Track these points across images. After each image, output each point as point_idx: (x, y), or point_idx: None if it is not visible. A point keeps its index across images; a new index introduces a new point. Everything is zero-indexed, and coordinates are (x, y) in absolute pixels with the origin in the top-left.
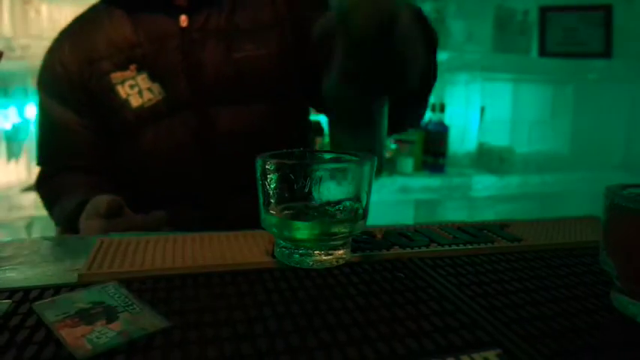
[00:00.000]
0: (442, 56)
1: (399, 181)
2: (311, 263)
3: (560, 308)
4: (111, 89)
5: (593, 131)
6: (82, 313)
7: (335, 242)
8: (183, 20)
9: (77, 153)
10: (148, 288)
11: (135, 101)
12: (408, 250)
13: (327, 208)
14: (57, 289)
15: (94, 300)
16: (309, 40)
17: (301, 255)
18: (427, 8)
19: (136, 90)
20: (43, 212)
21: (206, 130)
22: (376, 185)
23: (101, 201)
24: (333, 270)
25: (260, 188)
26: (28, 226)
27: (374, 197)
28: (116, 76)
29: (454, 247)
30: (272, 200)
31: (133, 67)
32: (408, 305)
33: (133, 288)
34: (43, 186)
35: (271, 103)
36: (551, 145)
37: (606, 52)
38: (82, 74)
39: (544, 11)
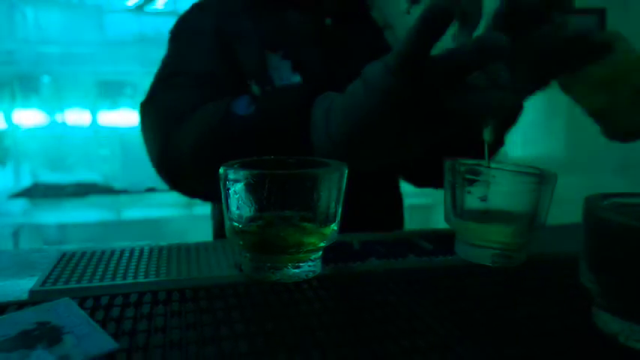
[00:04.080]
0: None
1: None
2: (278, 277)
3: (539, 326)
4: (262, 62)
5: (588, 134)
6: (24, 336)
7: (304, 255)
8: (328, 23)
9: (204, 59)
10: (103, 305)
11: (277, 82)
12: (384, 260)
13: (295, 218)
14: (4, 307)
15: (41, 319)
16: None
17: (269, 268)
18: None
19: (279, 73)
20: (31, 219)
21: None
22: None
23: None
24: (301, 284)
25: (224, 198)
26: (15, 234)
27: None
28: (269, 54)
29: (432, 257)
30: (237, 211)
31: (280, 51)
32: (375, 324)
33: (87, 305)
34: (151, 106)
35: None
36: (545, 149)
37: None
38: (236, 39)
39: None
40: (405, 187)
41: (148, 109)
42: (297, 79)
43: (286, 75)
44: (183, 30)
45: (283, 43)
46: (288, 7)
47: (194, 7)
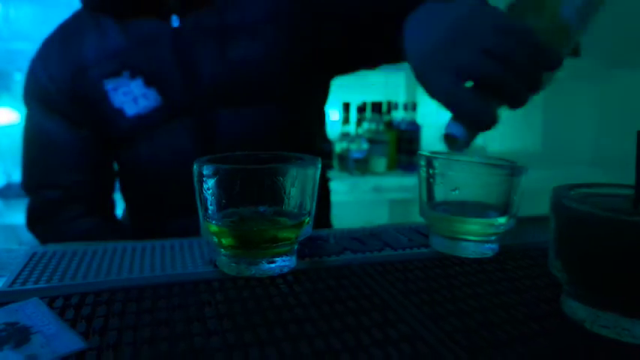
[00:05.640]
0: None
1: (372, 180)
2: (253, 272)
3: (509, 315)
4: (104, 98)
5: (564, 128)
6: None
7: (279, 249)
8: (174, 21)
9: (68, 168)
10: (73, 304)
11: (130, 109)
12: (359, 255)
13: (269, 213)
14: None
15: (8, 320)
16: (326, 24)
17: (243, 264)
18: None
19: (130, 97)
20: (5, 220)
21: (207, 135)
22: (348, 185)
23: None
24: (276, 279)
25: (197, 194)
26: None
27: (347, 197)
28: (109, 83)
29: (407, 250)
30: (210, 206)
31: (125, 73)
32: (348, 316)
33: (56, 305)
34: (41, 224)
35: (275, 104)
36: (522, 143)
37: (574, 51)
38: (73, 83)
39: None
40: (386, 182)
41: (42, 236)
42: (152, 93)
43: (140, 92)
44: (34, 125)
45: (128, 60)
46: (131, 18)
47: (35, 68)
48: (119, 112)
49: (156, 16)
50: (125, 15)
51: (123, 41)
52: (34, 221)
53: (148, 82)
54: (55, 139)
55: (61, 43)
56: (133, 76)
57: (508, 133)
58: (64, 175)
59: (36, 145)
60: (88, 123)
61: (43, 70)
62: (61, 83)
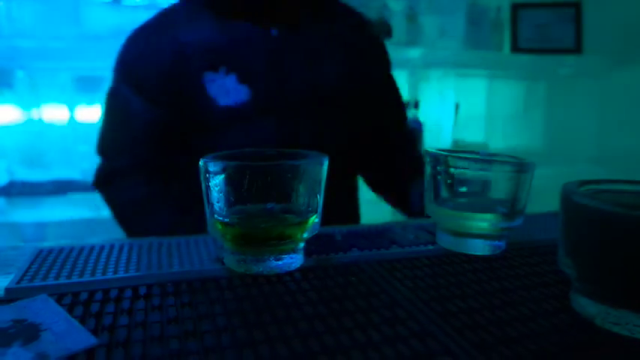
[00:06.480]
0: (415, 52)
1: None
2: (260, 269)
3: (518, 312)
4: (200, 87)
5: (566, 126)
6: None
7: (286, 246)
8: (273, 31)
9: (139, 142)
10: (82, 301)
11: (222, 100)
12: (367, 252)
13: (276, 210)
14: None
15: (17, 317)
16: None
17: (251, 261)
18: (399, 4)
19: (223, 90)
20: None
21: (287, 139)
22: None
23: None
24: (283, 276)
25: (204, 191)
26: None
27: None
28: (207, 75)
29: (414, 247)
30: (217, 203)
31: (222, 68)
32: (358, 313)
33: (64, 302)
34: (106, 187)
35: (352, 124)
36: (524, 141)
37: (577, 48)
38: (171, 69)
39: (516, 8)
40: None
41: (104, 196)
42: (244, 90)
43: (233, 87)
44: (118, 96)
45: (226, 58)
46: (235, 20)
47: (142, 35)
48: (212, 102)
49: (256, 22)
50: (227, 15)
51: (222, 38)
52: (100, 182)
53: (241, 80)
54: (134, 114)
55: (158, 29)
56: (228, 72)
57: (510, 130)
58: (135, 147)
59: (116, 115)
60: (171, 105)
61: (137, 51)
62: (154, 66)
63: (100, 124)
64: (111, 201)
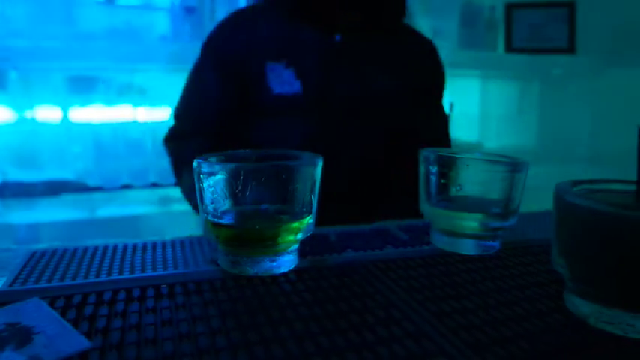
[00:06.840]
0: None
1: None
2: (255, 270)
3: (512, 311)
4: (262, 75)
5: (559, 125)
6: None
7: (281, 247)
8: (337, 36)
9: (207, 112)
10: (75, 304)
11: (277, 88)
12: (361, 252)
13: (271, 211)
14: None
15: (10, 320)
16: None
17: (245, 262)
18: None
19: (280, 80)
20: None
21: (329, 139)
22: None
23: None
24: (278, 277)
25: (198, 193)
26: None
27: None
28: (269, 65)
29: (409, 248)
30: (212, 205)
31: (283, 61)
32: (352, 314)
33: (58, 305)
34: (172, 143)
35: (391, 139)
36: (518, 140)
37: (570, 48)
38: (246, 54)
39: (510, 8)
40: None
41: (168, 151)
42: (297, 85)
43: (288, 80)
44: (203, 67)
45: (289, 53)
46: (303, 21)
47: (223, 29)
48: (269, 89)
49: (323, 27)
50: (299, 18)
51: (289, 36)
52: (167, 139)
53: (297, 74)
54: (209, 88)
55: (235, 26)
56: (288, 65)
57: (504, 130)
58: (204, 115)
59: (196, 87)
60: (238, 85)
61: (222, 35)
62: (233, 50)
63: (182, 90)
64: (173, 155)
